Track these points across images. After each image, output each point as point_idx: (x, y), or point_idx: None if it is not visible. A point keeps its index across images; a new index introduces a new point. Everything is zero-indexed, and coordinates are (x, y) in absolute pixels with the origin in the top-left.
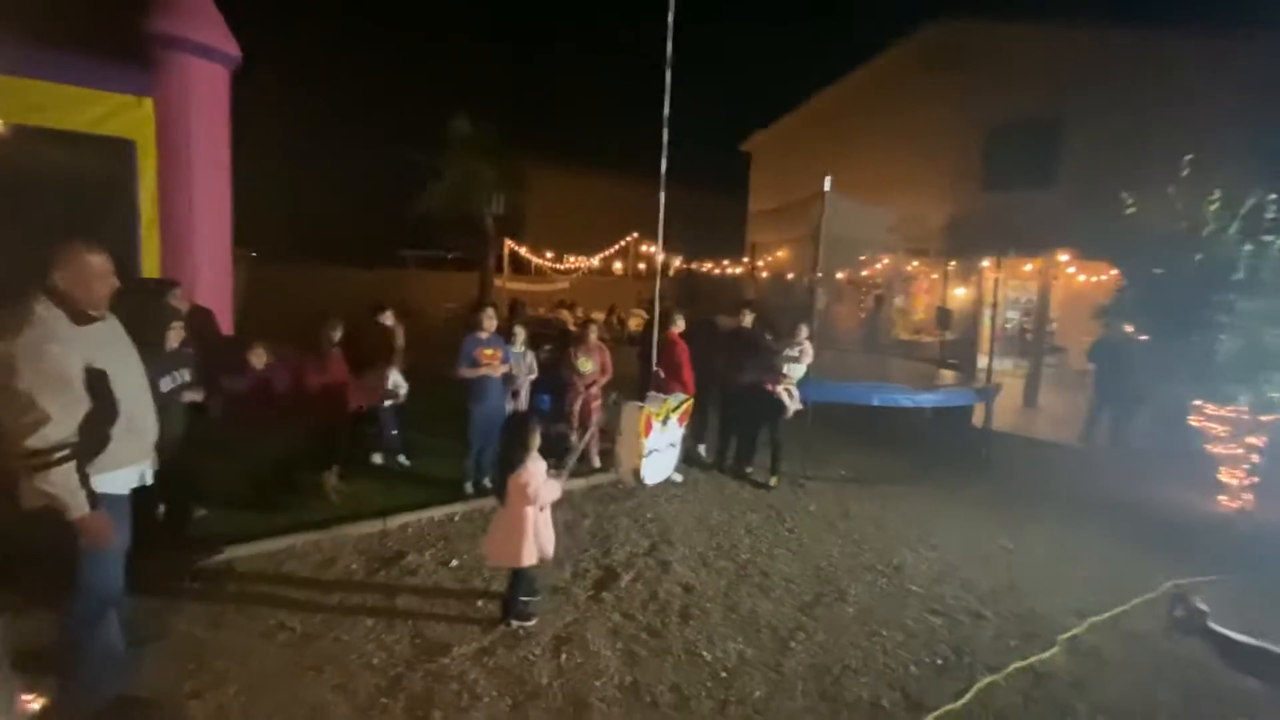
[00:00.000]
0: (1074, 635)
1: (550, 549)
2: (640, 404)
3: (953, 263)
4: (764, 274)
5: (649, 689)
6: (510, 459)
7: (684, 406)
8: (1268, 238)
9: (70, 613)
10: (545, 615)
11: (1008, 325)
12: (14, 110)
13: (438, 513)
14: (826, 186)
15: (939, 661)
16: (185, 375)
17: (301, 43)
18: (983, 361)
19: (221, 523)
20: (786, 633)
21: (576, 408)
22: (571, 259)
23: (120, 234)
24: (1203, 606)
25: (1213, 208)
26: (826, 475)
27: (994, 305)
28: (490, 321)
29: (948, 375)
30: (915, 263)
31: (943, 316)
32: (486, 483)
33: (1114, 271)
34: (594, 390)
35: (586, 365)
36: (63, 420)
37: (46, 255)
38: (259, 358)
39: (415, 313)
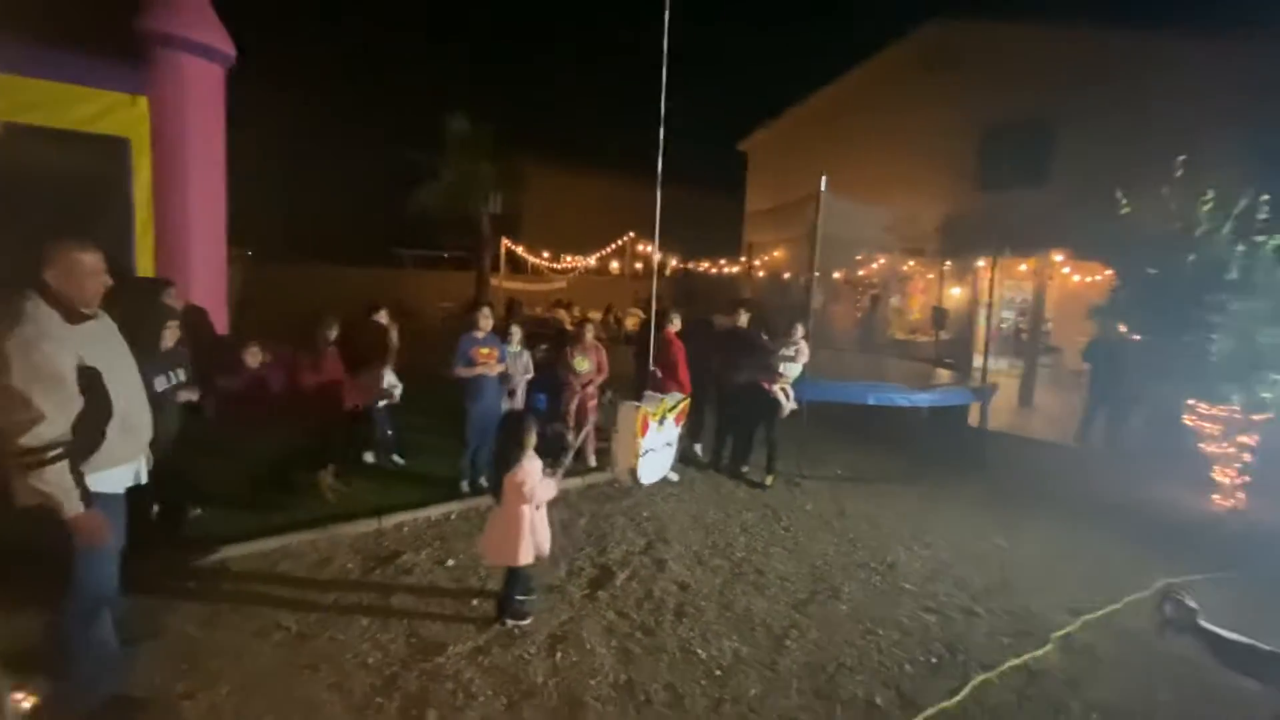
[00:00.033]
0: (1068, 633)
1: (546, 547)
2: (637, 403)
3: (948, 262)
4: (761, 273)
5: (643, 687)
6: (506, 458)
7: (680, 406)
8: (1260, 238)
9: (64, 611)
10: (541, 614)
11: (1003, 325)
12: (8, 108)
13: (434, 512)
14: (822, 186)
15: (933, 660)
16: (180, 375)
17: (298, 42)
18: (978, 361)
19: (217, 522)
20: (781, 631)
21: (573, 407)
22: (568, 258)
23: (115, 232)
24: (1192, 604)
25: (1206, 208)
26: (822, 474)
27: (989, 305)
28: (486, 321)
29: (943, 375)
30: (911, 262)
31: (938, 316)
32: (483, 482)
33: (1108, 271)
34: (590, 389)
35: (583, 364)
36: (56, 418)
37: (39, 254)
38: (254, 357)
39: (412, 312)
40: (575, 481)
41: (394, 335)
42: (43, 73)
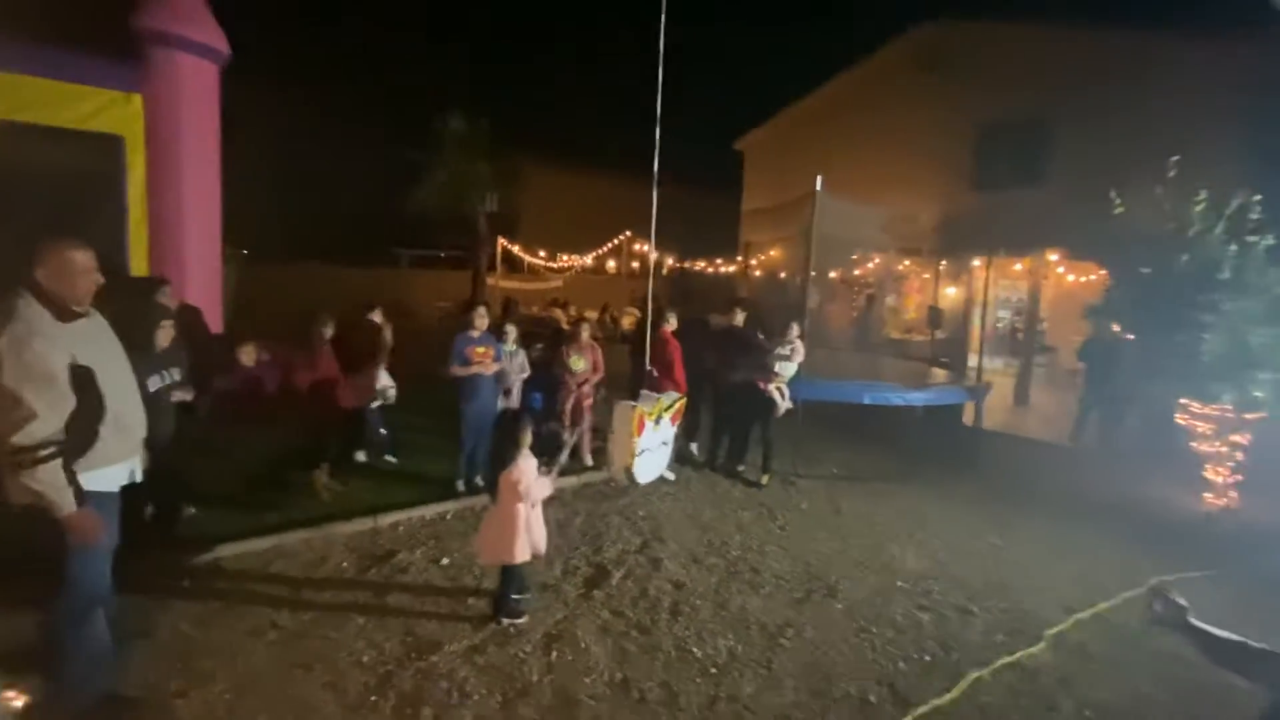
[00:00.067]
0: (1060, 631)
1: (543, 544)
2: (633, 403)
3: (944, 262)
4: (757, 272)
5: (638, 685)
6: (502, 456)
7: (676, 405)
8: (1252, 238)
9: (58, 611)
10: (536, 613)
11: (998, 324)
12: (2, 106)
13: (429, 511)
14: (817, 186)
15: (927, 657)
16: (175, 374)
17: (293, 40)
18: (973, 360)
19: (211, 521)
20: (776, 629)
21: (568, 406)
22: (565, 257)
23: (109, 231)
24: (1182, 601)
25: (1199, 208)
26: (818, 473)
27: (984, 304)
28: (482, 320)
29: (939, 374)
30: (907, 262)
31: (934, 315)
32: (479, 481)
33: (1103, 271)
34: (586, 388)
35: (578, 363)
36: (49, 417)
37: (31, 252)
38: (249, 356)
39: (409, 311)
40: (571, 480)
41: (388, 334)
42: (37, 70)
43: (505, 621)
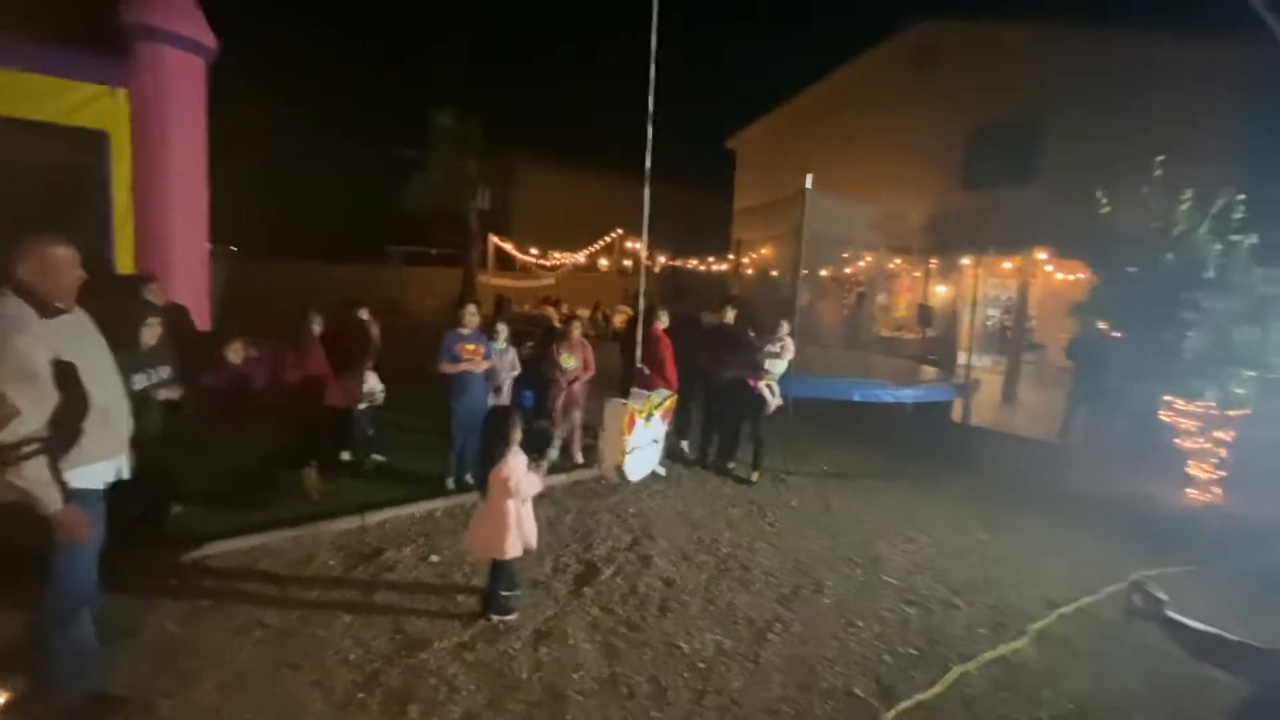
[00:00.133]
0: (1045, 625)
1: (533, 540)
2: (624, 400)
3: (934, 260)
4: (749, 270)
5: (627, 681)
6: (491, 453)
7: (667, 403)
8: (1236, 237)
9: (43, 609)
10: (526, 610)
11: (988, 322)
12: None
13: (418, 509)
14: (808, 185)
15: (913, 651)
16: (163, 372)
17: (285, 37)
18: (963, 358)
19: (198, 519)
20: (764, 624)
21: (559, 404)
22: (556, 255)
23: (93, 227)
24: (1160, 595)
25: (1184, 208)
26: (808, 470)
27: (974, 303)
28: (472, 318)
29: (928, 371)
30: (897, 260)
31: (924, 313)
32: (468, 479)
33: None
34: (576, 386)
35: (569, 361)
36: (32, 414)
37: (12, 248)
38: (235, 353)
39: (399, 309)
40: (562, 478)
41: (375, 333)
42: (21, 64)
43: (495, 618)
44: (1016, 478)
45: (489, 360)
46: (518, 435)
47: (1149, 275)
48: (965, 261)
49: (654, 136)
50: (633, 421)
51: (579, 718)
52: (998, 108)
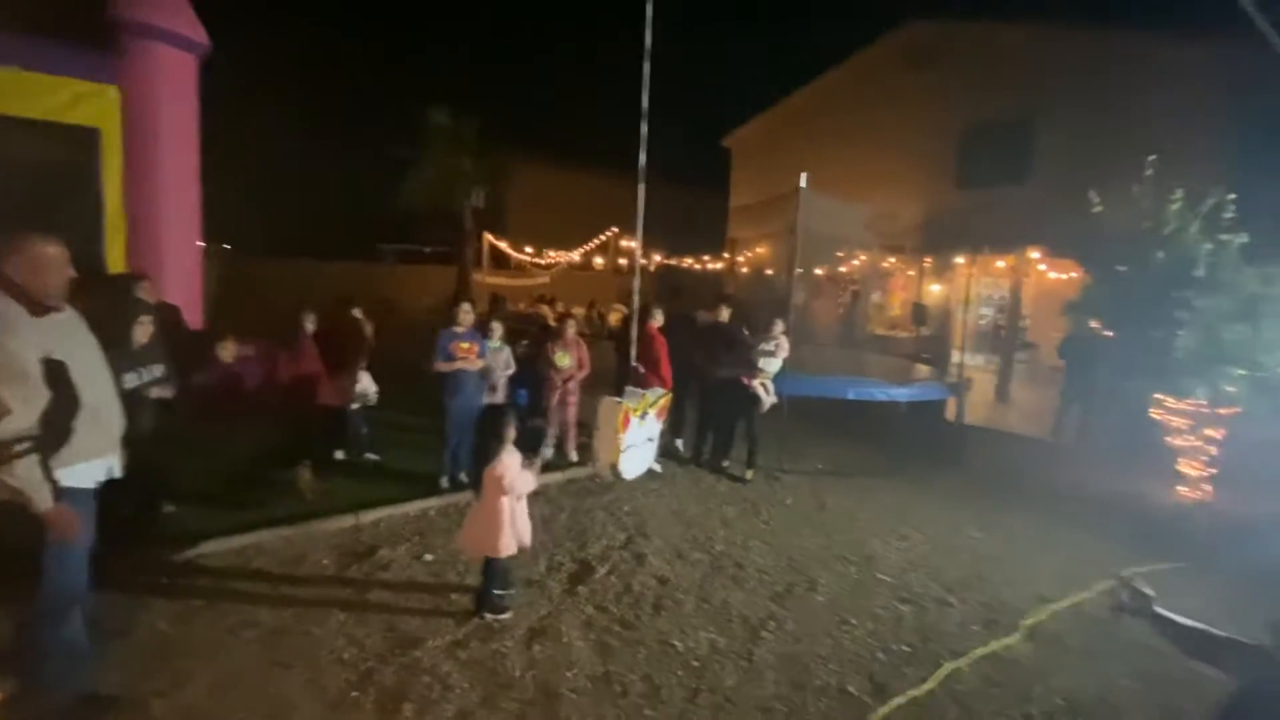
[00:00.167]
0: (1036, 622)
1: (528, 538)
2: (618, 399)
3: (928, 259)
4: (744, 269)
5: (620, 679)
6: (486, 451)
7: (662, 401)
8: (1226, 236)
9: (34, 609)
10: (519, 608)
11: (981, 321)
12: None
13: (412, 507)
14: (802, 183)
15: (905, 648)
16: (155, 371)
17: (279, 34)
18: (956, 357)
19: (190, 518)
20: (758, 622)
21: (554, 402)
22: (551, 254)
23: (84, 225)
24: (1148, 591)
25: (1175, 207)
26: (802, 468)
27: (967, 301)
28: (467, 316)
29: (922, 370)
30: (891, 259)
31: (918, 312)
32: (463, 478)
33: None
34: (571, 385)
35: (564, 360)
36: (22, 412)
37: (2, 246)
38: (228, 351)
39: (393, 308)
40: (556, 476)
41: (369, 331)
42: (11, 61)
43: (489, 616)
44: (1009, 476)
45: (483, 359)
46: (512, 433)
47: (1140, 274)
48: (959, 260)
49: (649, 135)
50: (627, 420)
51: (573, 716)
52: (991, 107)
